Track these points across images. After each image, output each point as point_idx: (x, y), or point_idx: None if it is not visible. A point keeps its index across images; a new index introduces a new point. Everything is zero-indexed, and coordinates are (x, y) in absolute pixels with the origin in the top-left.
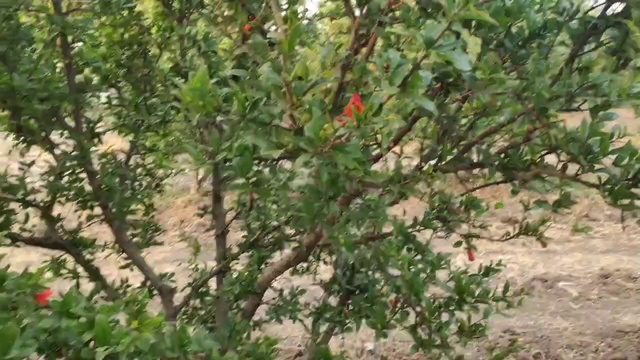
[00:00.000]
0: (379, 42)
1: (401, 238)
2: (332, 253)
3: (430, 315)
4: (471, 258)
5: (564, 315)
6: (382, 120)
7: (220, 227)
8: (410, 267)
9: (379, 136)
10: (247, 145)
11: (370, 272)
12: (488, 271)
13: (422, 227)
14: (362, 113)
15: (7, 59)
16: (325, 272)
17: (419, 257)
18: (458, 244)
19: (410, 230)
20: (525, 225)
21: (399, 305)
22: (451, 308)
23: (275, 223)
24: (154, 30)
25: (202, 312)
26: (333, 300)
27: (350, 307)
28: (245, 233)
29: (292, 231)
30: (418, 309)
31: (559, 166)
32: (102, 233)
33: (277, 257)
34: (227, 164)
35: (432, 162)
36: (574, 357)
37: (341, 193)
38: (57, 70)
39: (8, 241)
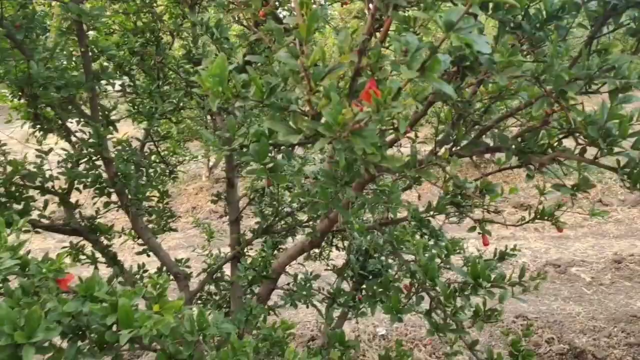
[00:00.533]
0: (393, 26)
1: (415, 223)
2: (345, 239)
3: (446, 299)
4: (485, 243)
5: (577, 301)
6: (400, 105)
7: (234, 213)
8: (425, 252)
9: (395, 121)
10: (263, 131)
11: (383, 257)
12: (503, 256)
13: (436, 213)
14: (381, 97)
15: (24, 48)
16: (337, 257)
17: (432, 242)
18: (472, 229)
19: (424, 215)
20: (540, 210)
21: (413, 290)
22: (466, 293)
23: (288, 209)
24: (166, 17)
25: (217, 297)
26: (346, 286)
27: (364, 292)
28: (258, 219)
29: (306, 217)
30: (433, 293)
31: (577, 150)
32: (118, 220)
33: (291, 243)
34: (243, 150)
35: (447, 146)
36: (587, 342)
37: (357, 178)
38: (73, 58)
39: (29, 227)
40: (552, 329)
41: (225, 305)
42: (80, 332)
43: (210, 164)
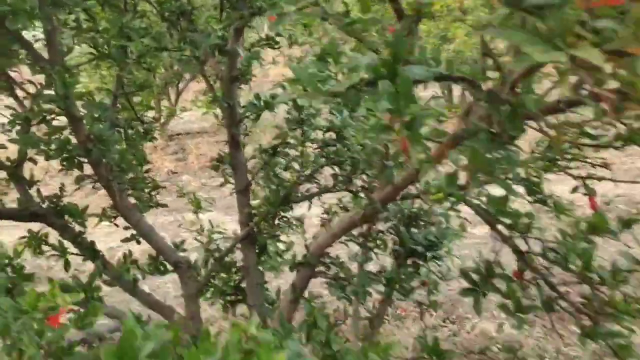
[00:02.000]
0: None
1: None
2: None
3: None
4: (593, 206)
5: None
6: None
7: (241, 180)
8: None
9: None
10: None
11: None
12: (629, 223)
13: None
14: None
15: None
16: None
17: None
18: (574, 190)
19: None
20: None
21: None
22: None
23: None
24: None
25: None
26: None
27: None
28: (272, 186)
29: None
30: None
31: None
32: (87, 198)
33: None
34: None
35: None
36: None
37: None
38: None
39: None
40: None
41: (236, 295)
42: None
43: (162, 120)
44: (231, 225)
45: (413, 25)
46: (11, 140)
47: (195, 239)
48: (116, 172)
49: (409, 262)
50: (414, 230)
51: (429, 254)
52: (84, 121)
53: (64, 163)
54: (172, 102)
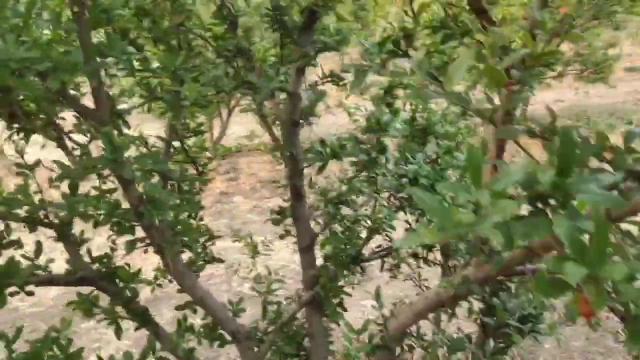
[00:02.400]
0: None
1: None
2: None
3: None
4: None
5: None
6: None
7: (305, 237)
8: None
9: None
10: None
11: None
12: None
13: None
14: None
15: None
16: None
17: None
18: None
19: None
20: None
21: None
22: None
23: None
24: None
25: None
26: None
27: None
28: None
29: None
30: None
31: None
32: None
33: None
34: None
35: None
36: None
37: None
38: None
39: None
40: None
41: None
42: None
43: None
44: (284, 254)
45: None
46: (59, 206)
47: (253, 289)
48: (170, 236)
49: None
50: (502, 294)
51: (525, 327)
52: (135, 180)
53: (114, 228)
54: (223, 119)
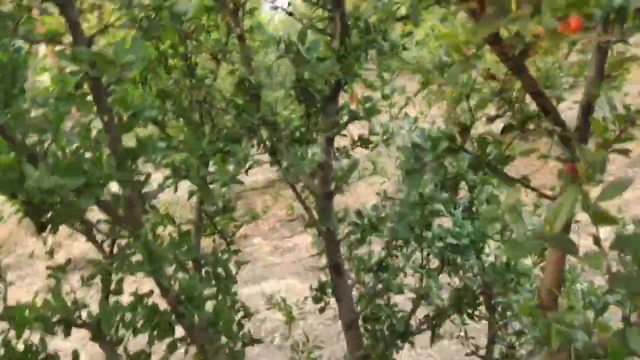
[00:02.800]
0: None
1: None
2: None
3: None
4: None
5: None
6: None
7: (347, 314)
8: None
9: None
10: None
11: None
12: None
13: None
14: None
15: (6, 130)
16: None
17: None
18: None
19: None
20: None
21: None
22: None
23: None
24: (201, 35)
25: None
26: None
27: None
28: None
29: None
30: None
31: None
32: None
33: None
34: None
35: None
36: None
37: None
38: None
39: None
40: None
41: None
42: None
43: None
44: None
45: None
46: (90, 317)
47: None
48: (211, 333)
49: None
50: None
51: None
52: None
53: (154, 332)
54: None
